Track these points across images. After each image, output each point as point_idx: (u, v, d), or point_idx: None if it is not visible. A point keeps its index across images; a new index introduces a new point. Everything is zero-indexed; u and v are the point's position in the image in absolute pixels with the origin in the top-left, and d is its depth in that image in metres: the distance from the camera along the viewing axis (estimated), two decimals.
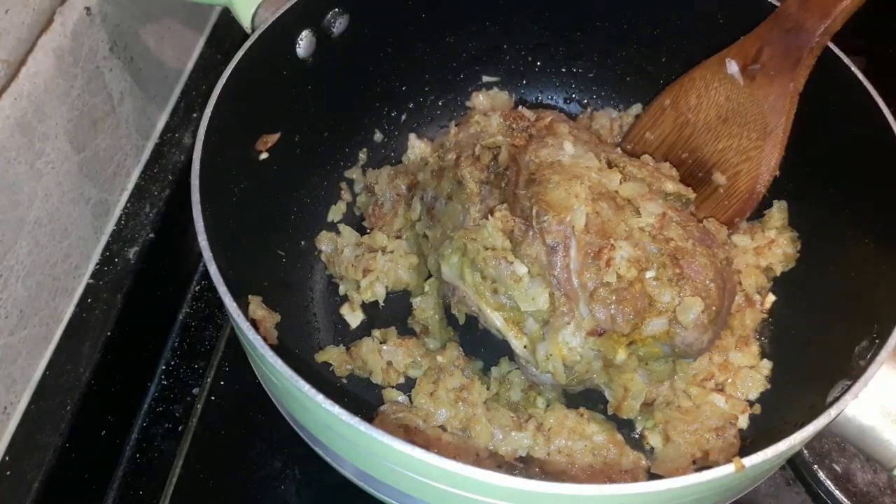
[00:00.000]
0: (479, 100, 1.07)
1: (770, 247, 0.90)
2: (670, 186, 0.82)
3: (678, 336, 0.75)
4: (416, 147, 1.00)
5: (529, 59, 1.08)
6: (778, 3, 0.84)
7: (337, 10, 0.89)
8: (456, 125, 0.91)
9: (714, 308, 0.75)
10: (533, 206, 0.76)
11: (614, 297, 0.73)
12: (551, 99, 1.11)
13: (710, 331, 0.76)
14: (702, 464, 0.80)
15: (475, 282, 0.78)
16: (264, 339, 0.62)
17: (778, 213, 0.92)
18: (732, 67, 0.88)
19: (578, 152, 0.81)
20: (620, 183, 0.79)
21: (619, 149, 0.89)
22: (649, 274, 0.74)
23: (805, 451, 0.85)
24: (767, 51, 0.84)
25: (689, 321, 0.74)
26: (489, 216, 0.78)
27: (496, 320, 0.77)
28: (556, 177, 0.77)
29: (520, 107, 0.90)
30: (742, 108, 0.88)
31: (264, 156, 0.88)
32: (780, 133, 0.85)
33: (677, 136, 0.94)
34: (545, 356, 0.75)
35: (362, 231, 0.99)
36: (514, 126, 0.86)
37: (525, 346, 0.77)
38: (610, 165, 0.81)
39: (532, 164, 0.80)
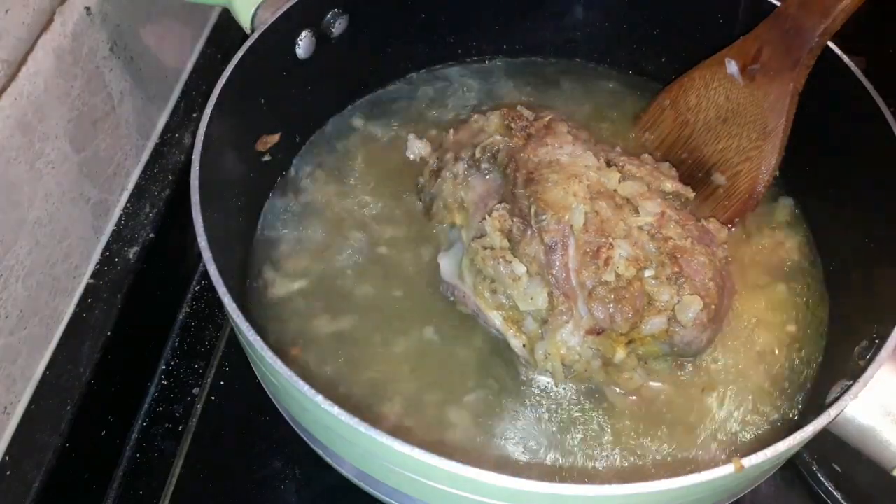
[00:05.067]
0: None
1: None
2: (669, 185, 0.82)
3: (677, 335, 0.75)
4: (416, 147, 1.00)
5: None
6: (778, 3, 0.84)
7: (337, 10, 0.89)
8: (454, 131, 0.91)
9: (713, 307, 0.75)
10: (531, 205, 0.76)
11: (613, 296, 0.72)
12: None
13: (709, 329, 0.76)
14: None
15: (474, 281, 0.78)
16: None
17: (781, 211, 0.92)
18: (732, 67, 0.88)
19: (577, 151, 0.81)
20: (619, 182, 0.79)
21: (618, 148, 0.89)
22: (648, 273, 0.74)
23: (805, 452, 0.85)
24: (767, 51, 0.84)
25: (688, 320, 0.74)
26: (487, 216, 0.78)
27: (495, 320, 0.77)
28: (555, 176, 0.77)
29: (519, 106, 0.90)
30: (742, 108, 0.88)
31: (265, 157, 0.88)
32: (779, 133, 0.85)
33: (677, 136, 0.94)
34: (544, 355, 0.75)
35: None
36: (512, 125, 0.86)
37: (524, 346, 0.77)
38: (609, 164, 0.81)
39: (530, 163, 0.80)
